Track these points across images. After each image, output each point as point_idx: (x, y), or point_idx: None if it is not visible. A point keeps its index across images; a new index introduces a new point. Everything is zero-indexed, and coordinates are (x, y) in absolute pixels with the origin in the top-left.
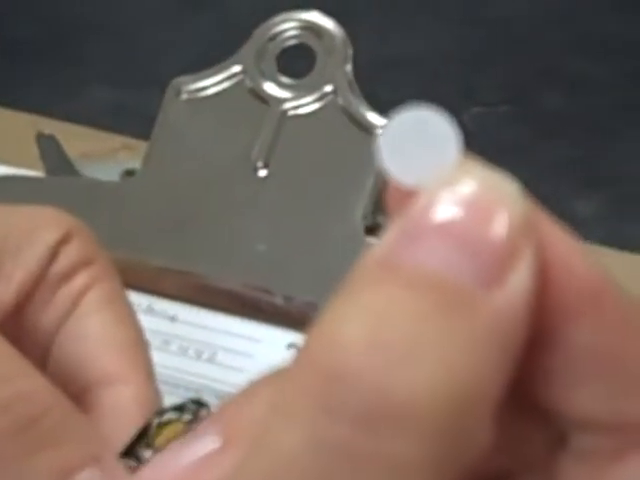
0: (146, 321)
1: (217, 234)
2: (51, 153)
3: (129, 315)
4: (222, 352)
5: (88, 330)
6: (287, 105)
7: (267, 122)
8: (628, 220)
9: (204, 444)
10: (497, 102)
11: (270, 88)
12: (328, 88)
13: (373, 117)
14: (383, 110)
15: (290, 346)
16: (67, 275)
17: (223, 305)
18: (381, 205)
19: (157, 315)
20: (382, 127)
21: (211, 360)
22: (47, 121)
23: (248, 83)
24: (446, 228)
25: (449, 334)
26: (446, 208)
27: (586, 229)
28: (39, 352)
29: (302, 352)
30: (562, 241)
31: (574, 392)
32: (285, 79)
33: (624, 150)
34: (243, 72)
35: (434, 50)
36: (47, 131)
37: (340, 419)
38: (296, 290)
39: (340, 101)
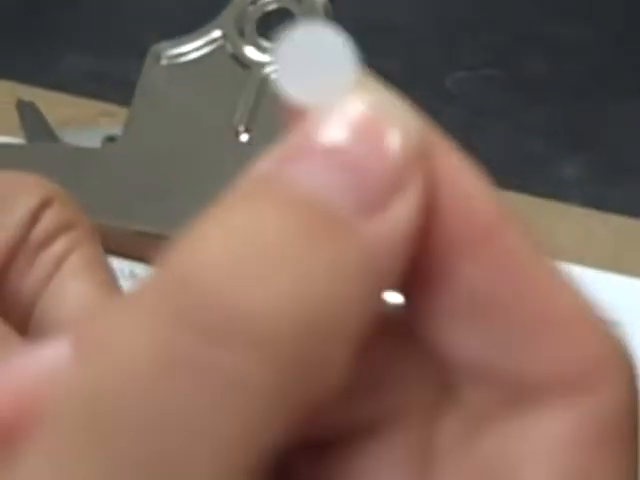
0: (129, 286)
1: (199, 199)
2: (31, 120)
3: (110, 280)
4: None
5: (69, 294)
6: (268, 69)
7: (248, 86)
8: (611, 183)
9: (52, 349)
10: (480, 66)
11: (251, 52)
12: None
13: None
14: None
15: None
16: (48, 240)
17: None
18: None
19: (139, 280)
20: (278, 43)
21: None
22: (27, 89)
23: (229, 48)
24: (330, 150)
25: (310, 258)
26: (332, 130)
27: (570, 191)
28: (20, 316)
29: (163, 260)
30: (459, 170)
31: (460, 336)
32: (266, 43)
33: (608, 113)
34: (223, 37)
35: (418, 15)
36: (27, 98)
37: (187, 327)
38: None
39: None
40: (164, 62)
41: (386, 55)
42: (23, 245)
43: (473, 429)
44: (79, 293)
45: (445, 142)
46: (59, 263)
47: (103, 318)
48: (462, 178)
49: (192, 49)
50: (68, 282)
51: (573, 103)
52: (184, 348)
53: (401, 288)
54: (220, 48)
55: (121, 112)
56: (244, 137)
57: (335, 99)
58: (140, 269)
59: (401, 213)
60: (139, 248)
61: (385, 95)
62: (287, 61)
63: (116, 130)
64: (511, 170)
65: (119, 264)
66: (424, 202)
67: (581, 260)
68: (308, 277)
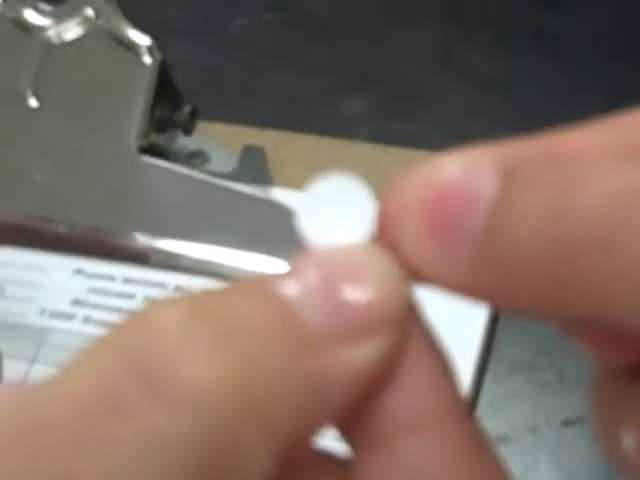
0: None
1: None
2: None
3: None
4: (10, 285)
5: None
6: (50, 32)
7: (31, 51)
8: (394, 118)
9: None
10: (260, 11)
11: (31, 16)
12: (89, 12)
13: (137, 37)
14: (148, 30)
15: (77, 272)
16: None
17: (7, 238)
18: (154, 124)
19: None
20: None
21: (0, 294)
22: None
23: (9, 12)
24: (325, 278)
25: (270, 355)
26: (332, 264)
27: (354, 127)
28: None
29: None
30: (429, 347)
31: None
32: (45, 6)
33: (389, 50)
34: (3, 2)
35: None
36: None
37: (130, 371)
38: (78, 216)
39: (103, 24)
40: None
41: (165, 7)
42: None
43: None
44: None
45: (423, 315)
46: None
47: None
48: (430, 355)
49: None
50: None
51: (355, 40)
52: (125, 399)
53: (339, 427)
54: (0, 14)
55: None
56: (33, 102)
57: (348, 243)
58: None
59: (365, 354)
60: None
61: (385, 256)
62: (311, 207)
63: None
64: (297, 111)
65: None
66: (388, 356)
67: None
68: (261, 369)
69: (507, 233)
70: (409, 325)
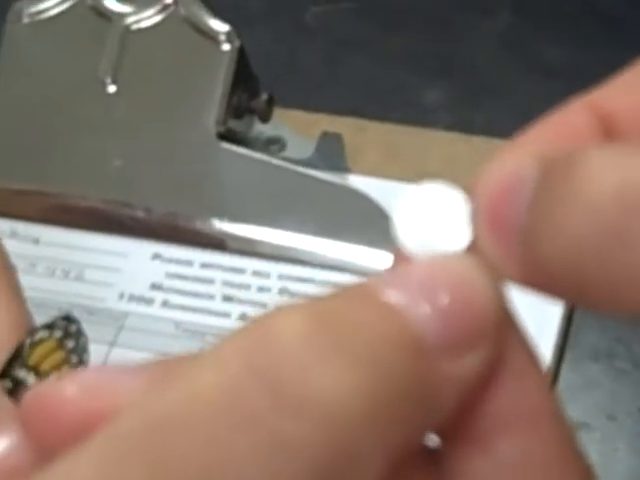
0: (10, 245)
1: (72, 153)
2: None
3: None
4: (89, 269)
5: None
6: (129, 20)
7: (111, 38)
8: (470, 107)
9: None
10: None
11: (111, 4)
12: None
13: (216, 24)
14: (225, 17)
15: (155, 256)
16: None
17: (86, 223)
18: (232, 111)
19: (20, 239)
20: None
21: (79, 278)
22: None
23: (89, 1)
24: (430, 289)
25: (390, 367)
26: (437, 275)
27: (431, 116)
28: None
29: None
30: (524, 350)
31: None
32: None
33: (463, 40)
34: None
35: None
36: None
37: (263, 388)
38: (155, 201)
39: (182, 11)
40: (26, 20)
41: None
42: None
43: None
44: None
45: (515, 316)
46: None
47: (186, 363)
48: (525, 358)
49: (53, 5)
50: None
51: (435, 30)
52: (255, 407)
53: (441, 433)
54: (80, 1)
55: None
56: (111, 88)
57: (447, 252)
58: (21, 228)
59: (473, 363)
60: (18, 206)
61: (483, 265)
62: (408, 216)
63: None
64: (374, 99)
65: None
66: (491, 362)
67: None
68: (383, 379)
69: (546, 227)
70: (507, 329)
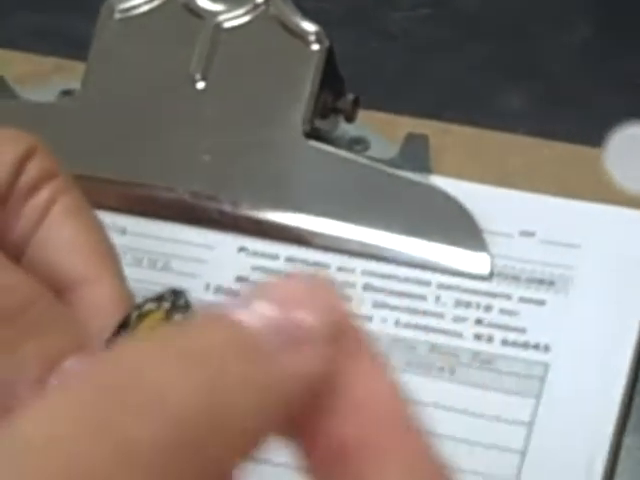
0: None
1: (162, 147)
2: None
3: (96, 222)
4: (176, 260)
5: (59, 237)
6: (221, 18)
7: (202, 36)
8: (551, 114)
9: None
10: (416, 5)
11: (203, 2)
12: None
13: (306, 24)
14: (314, 18)
15: (241, 249)
16: (33, 188)
17: (171, 215)
18: (318, 110)
19: (107, 229)
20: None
21: (166, 268)
22: None
23: None
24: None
25: (229, 369)
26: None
27: (513, 122)
28: None
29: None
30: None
31: None
32: None
33: (542, 48)
34: None
35: None
36: None
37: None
38: (242, 196)
39: (272, 11)
40: (117, 16)
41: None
42: (10, 195)
43: None
44: (69, 235)
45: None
46: (46, 210)
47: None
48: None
49: (144, 1)
50: (57, 227)
51: (510, 37)
52: (101, 419)
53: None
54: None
55: (75, 67)
56: (201, 85)
57: None
58: (108, 218)
59: (310, 360)
60: (105, 196)
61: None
62: (619, 151)
63: (71, 85)
64: (456, 105)
65: None
66: (327, 370)
67: (532, 187)
68: (224, 382)
69: None
70: (353, 350)
